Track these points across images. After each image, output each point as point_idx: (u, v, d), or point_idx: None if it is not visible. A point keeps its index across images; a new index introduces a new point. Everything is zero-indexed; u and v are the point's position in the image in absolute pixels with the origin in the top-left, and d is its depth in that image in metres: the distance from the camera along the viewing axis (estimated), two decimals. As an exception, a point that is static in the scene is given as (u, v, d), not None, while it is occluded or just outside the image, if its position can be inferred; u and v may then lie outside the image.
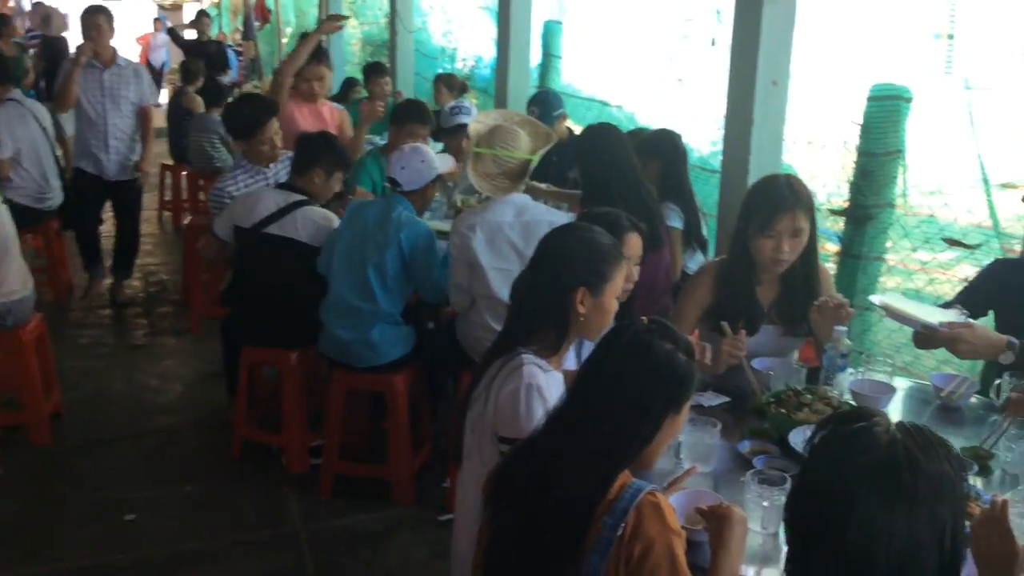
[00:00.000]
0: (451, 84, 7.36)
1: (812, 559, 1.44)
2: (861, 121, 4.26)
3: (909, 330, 4.28)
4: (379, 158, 4.98)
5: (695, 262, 4.34)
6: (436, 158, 3.93)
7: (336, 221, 4.05)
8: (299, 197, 4.06)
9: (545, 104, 5.40)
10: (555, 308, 2.24)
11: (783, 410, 2.49)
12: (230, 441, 4.32)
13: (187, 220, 7.78)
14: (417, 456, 4.01)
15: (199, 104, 7.93)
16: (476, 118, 3.96)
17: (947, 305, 2.88)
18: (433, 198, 4.17)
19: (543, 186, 4.59)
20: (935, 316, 2.72)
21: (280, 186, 4.23)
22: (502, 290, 3.51)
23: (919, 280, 4.30)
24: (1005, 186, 4.23)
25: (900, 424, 1.44)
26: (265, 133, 4.50)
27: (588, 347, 2.29)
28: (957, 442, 2.46)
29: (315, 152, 4.16)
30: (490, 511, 1.91)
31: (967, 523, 1.43)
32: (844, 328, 2.75)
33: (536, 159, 3.65)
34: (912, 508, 1.35)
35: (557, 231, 2.40)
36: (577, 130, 5.76)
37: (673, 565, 1.69)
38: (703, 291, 2.97)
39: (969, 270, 4.05)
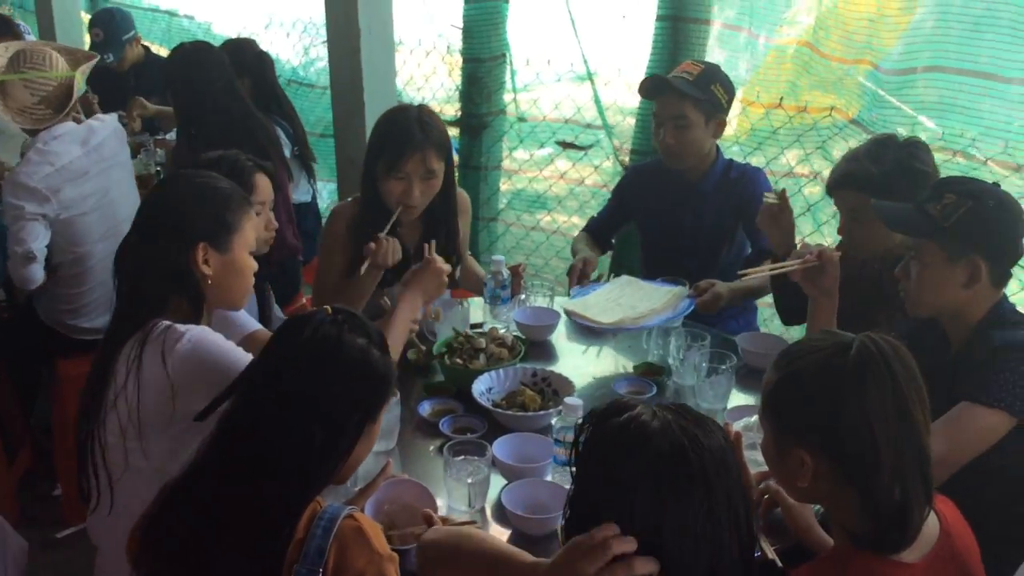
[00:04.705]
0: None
1: None
2: (462, 25, 4.11)
3: (537, 235, 4.39)
4: None
5: (302, 191, 3.98)
6: None
7: None
8: None
9: (110, 26, 4.57)
10: (174, 272, 1.81)
11: (459, 360, 2.28)
12: None
13: None
14: (13, 467, 3.30)
15: None
16: None
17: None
18: None
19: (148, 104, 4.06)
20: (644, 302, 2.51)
21: None
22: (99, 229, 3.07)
23: (539, 185, 4.34)
24: (583, 78, 4.36)
25: (659, 405, 1.27)
26: None
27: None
28: (621, 358, 2.46)
29: None
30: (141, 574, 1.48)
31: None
32: (502, 258, 2.60)
33: (82, 78, 3.04)
34: (708, 491, 1.19)
35: (163, 182, 1.96)
36: (158, 50, 5.02)
37: None
38: (340, 240, 2.63)
39: (586, 170, 4.16)
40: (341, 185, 3.95)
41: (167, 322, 1.76)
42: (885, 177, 2.16)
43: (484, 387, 2.18)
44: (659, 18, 3.58)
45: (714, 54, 3.61)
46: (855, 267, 2.29)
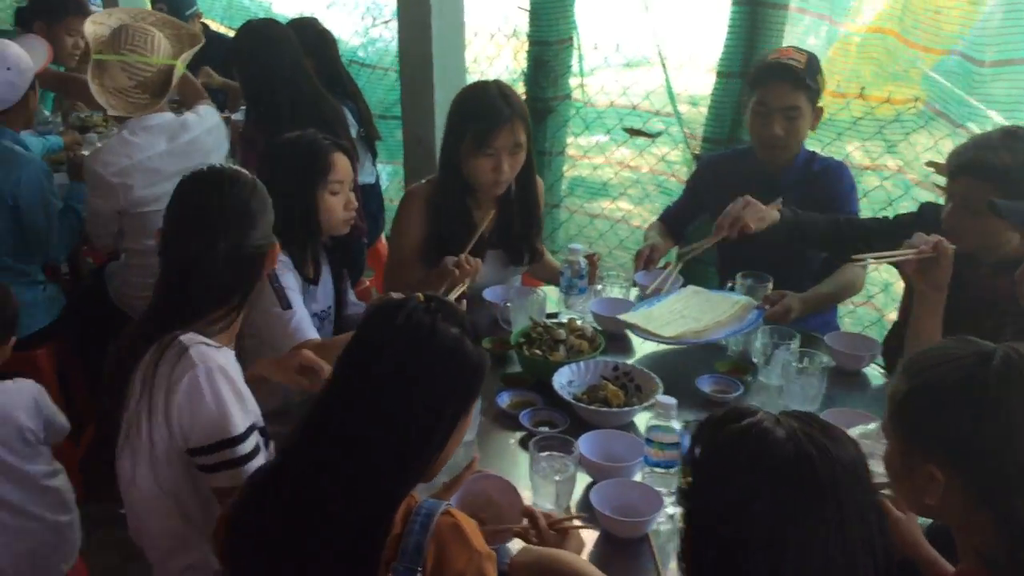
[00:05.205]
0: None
1: None
2: (529, 7, 4.03)
3: (600, 223, 4.32)
4: None
5: (367, 172, 3.94)
6: (25, 55, 3.03)
7: None
8: None
9: (174, 0, 4.55)
10: (243, 276, 1.77)
11: (538, 352, 2.22)
12: None
13: None
14: (79, 442, 3.30)
15: None
16: (93, 18, 3.14)
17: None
18: (37, 106, 3.31)
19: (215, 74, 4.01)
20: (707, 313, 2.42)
21: None
22: None
23: (603, 172, 4.26)
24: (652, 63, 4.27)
25: (783, 413, 1.19)
26: None
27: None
28: (702, 354, 2.37)
29: None
30: (229, 569, 1.45)
31: None
32: (579, 247, 2.54)
33: (182, 66, 2.98)
34: (838, 507, 1.11)
35: (219, 180, 1.82)
36: (216, 27, 5.01)
37: None
38: (416, 222, 2.61)
39: (652, 158, 4.06)
40: (408, 165, 3.91)
41: (185, 341, 1.68)
42: (1019, 170, 2.01)
43: (565, 380, 2.12)
44: (736, 2, 3.47)
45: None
46: (960, 266, 2.19)
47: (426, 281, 2.41)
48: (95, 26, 3.01)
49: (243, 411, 1.67)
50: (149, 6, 4.99)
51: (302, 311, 2.21)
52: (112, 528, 3.11)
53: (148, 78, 2.87)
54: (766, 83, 2.65)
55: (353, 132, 3.74)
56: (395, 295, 2.08)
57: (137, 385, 1.69)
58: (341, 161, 2.31)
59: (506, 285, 2.66)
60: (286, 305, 2.13)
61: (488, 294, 2.59)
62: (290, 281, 2.21)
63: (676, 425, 1.76)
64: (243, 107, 3.85)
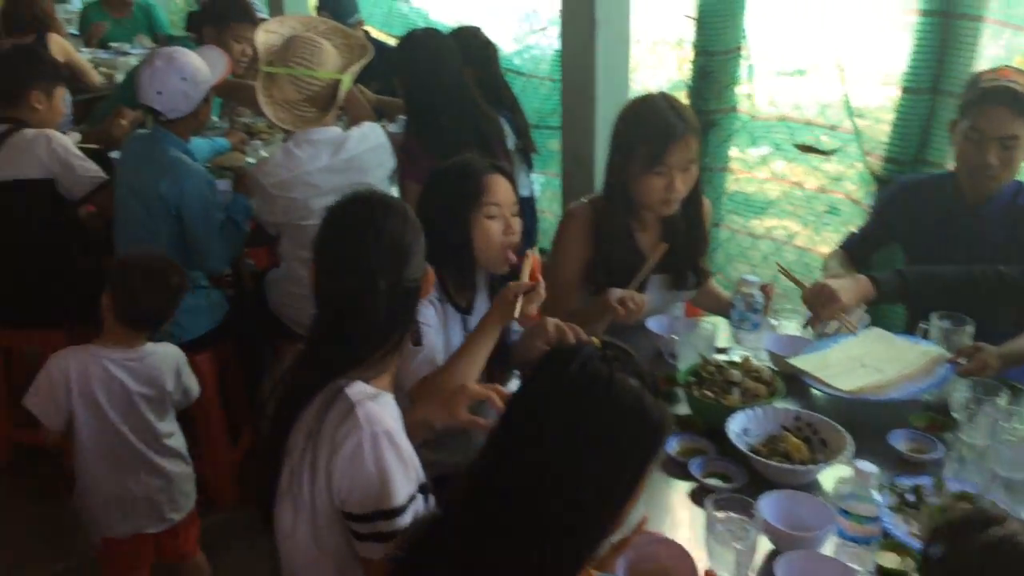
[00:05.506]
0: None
1: None
2: (696, 15, 3.84)
3: (763, 245, 4.09)
4: None
5: (522, 184, 3.85)
6: (203, 66, 3.06)
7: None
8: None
9: (337, 8, 4.60)
10: (402, 312, 1.68)
11: (709, 393, 2.06)
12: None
13: None
14: (236, 446, 3.36)
15: None
16: (265, 26, 3.16)
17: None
18: (209, 117, 3.36)
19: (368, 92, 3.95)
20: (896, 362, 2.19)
21: None
22: None
23: (771, 190, 4.03)
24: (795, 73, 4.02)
25: None
26: None
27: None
28: (892, 404, 2.14)
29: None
30: None
31: None
32: (755, 278, 2.36)
33: (349, 80, 2.96)
34: None
35: (370, 211, 1.70)
36: (376, 35, 5.05)
37: None
38: (577, 244, 2.50)
39: (825, 177, 3.81)
40: (566, 182, 3.81)
41: (351, 396, 1.57)
42: None
43: (739, 427, 1.94)
44: (924, 13, 3.19)
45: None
46: None
47: (586, 312, 2.29)
48: (266, 35, 3.03)
49: (406, 478, 1.56)
50: (314, 12, 5.08)
51: (430, 349, 2.09)
52: (262, 534, 3.15)
53: (316, 92, 2.86)
54: (983, 108, 2.40)
55: (511, 144, 3.67)
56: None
57: (301, 437, 1.60)
58: (498, 183, 2.20)
59: (670, 315, 2.51)
60: (416, 341, 2.01)
61: (652, 324, 2.44)
62: (429, 316, 2.10)
63: (876, 495, 1.57)
64: (400, 117, 3.84)
